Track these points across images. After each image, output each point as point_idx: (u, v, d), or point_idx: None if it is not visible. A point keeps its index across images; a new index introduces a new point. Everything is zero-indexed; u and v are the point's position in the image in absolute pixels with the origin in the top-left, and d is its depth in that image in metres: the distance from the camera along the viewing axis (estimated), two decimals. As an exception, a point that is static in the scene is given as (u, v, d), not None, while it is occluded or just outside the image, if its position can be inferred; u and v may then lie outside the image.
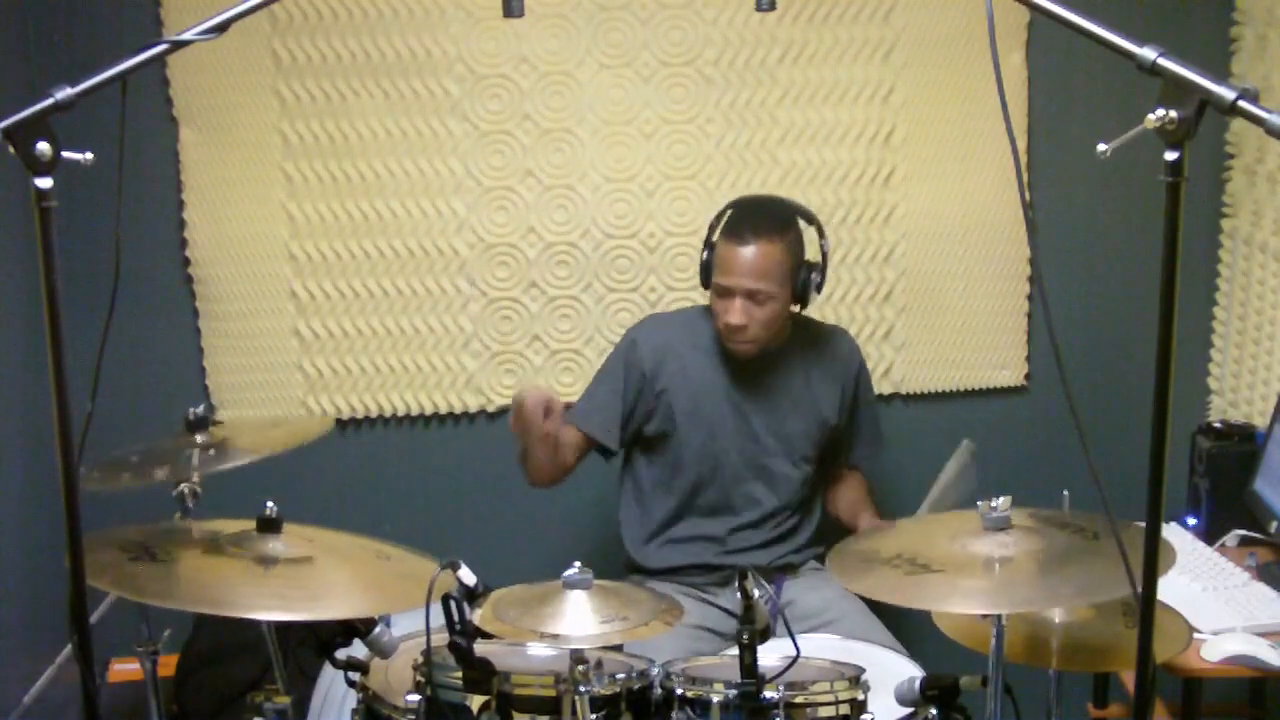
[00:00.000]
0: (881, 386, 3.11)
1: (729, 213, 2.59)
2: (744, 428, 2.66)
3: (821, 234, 2.61)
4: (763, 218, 2.54)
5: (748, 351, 2.58)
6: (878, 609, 2.53)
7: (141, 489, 2.14)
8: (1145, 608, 1.39)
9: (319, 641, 1.89)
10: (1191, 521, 2.77)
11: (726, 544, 2.68)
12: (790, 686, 1.75)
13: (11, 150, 1.36)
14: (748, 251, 2.49)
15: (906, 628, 2.53)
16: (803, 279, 2.55)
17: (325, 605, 1.81)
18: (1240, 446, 2.72)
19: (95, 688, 1.52)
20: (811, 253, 2.62)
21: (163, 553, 1.82)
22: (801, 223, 2.61)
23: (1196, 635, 2.15)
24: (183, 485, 2.15)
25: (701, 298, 2.73)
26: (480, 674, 1.70)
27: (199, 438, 2.24)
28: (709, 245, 2.58)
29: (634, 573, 2.74)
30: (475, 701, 1.73)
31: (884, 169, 3.02)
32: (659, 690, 1.81)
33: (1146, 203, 2.87)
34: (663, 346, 2.67)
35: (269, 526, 1.85)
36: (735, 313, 2.51)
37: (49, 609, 2.60)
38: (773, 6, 1.71)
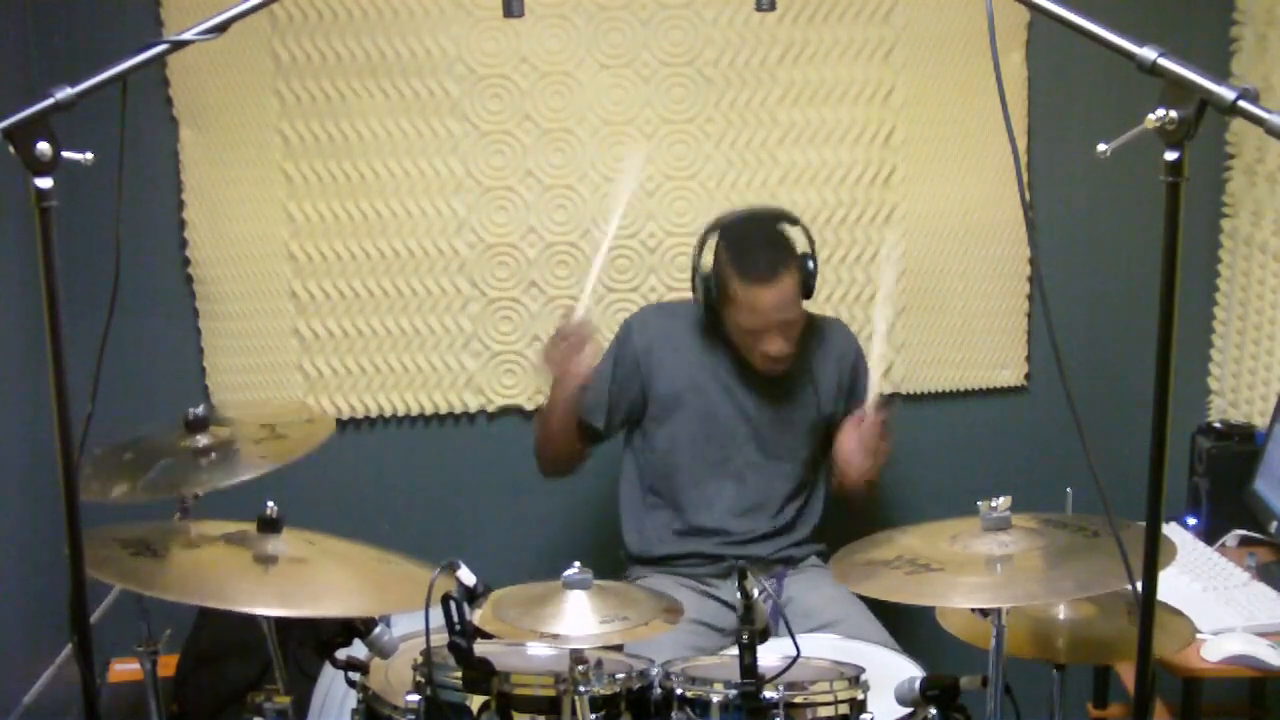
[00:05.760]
0: (881, 386, 3.09)
1: (726, 241, 2.55)
2: (741, 419, 2.66)
3: (804, 229, 2.62)
4: (770, 248, 2.53)
5: (781, 371, 2.59)
6: (878, 610, 2.53)
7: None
8: (1145, 606, 1.39)
9: (319, 641, 1.89)
10: (1191, 521, 2.77)
11: (727, 535, 2.67)
12: (790, 686, 1.75)
13: (11, 150, 1.36)
14: (773, 292, 2.48)
15: (907, 628, 2.53)
16: (810, 279, 2.56)
17: (325, 603, 1.82)
18: (1240, 446, 2.73)
19: (95, 688, 1.52)
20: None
21: (163, 549, 1.82)
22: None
23: (1197, 635, 2.15)
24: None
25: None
26: (480, 674, 1.70)
27: (200, 439, 2.23)
28: (714, 278, 2.54)
29: (634, 564, 2.75)
30: (475, 701, 1.73)
31: (884, 169, 3.02)
32: (659, 690, 1.81)
33: (1146, 203, 2.86)
34: (657, 336, 2.68)
35: (269, 527, 1.85)
36: (776, 344, 2.53)
37: (49, 609, 2.61)
38: (773, 6, 1.71)
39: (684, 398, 2.66)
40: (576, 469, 2.74)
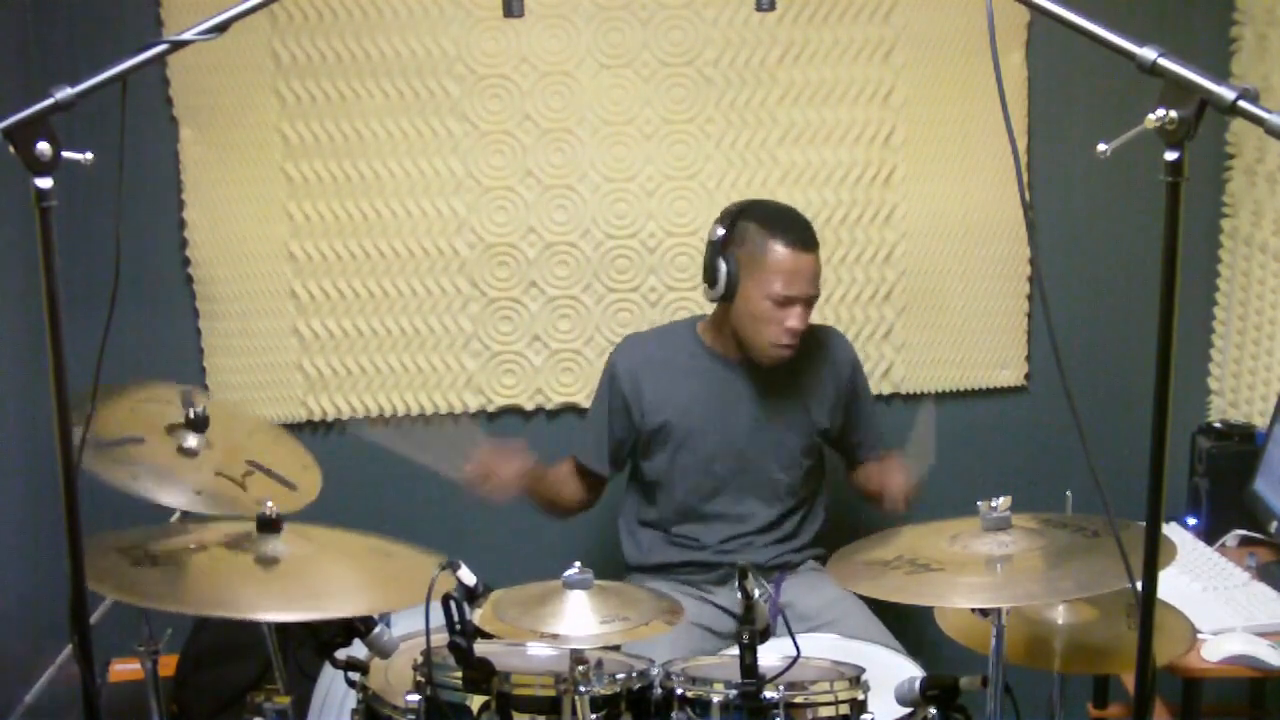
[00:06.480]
0: (881, 386, 3.11)
1: (758, 216, 2.52)
2: (732, 436, 2.63)
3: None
4: (804, 223, 2.53)
5: (789, 357, 2.56)
6: (878, 610, 2.53)
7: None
8: (1145, 606, 1.39)
9: (319, 641, 1.89)
10: (1191, 521, 2.77)
11: (724, 545, 2.67)
12: (790, 686, 1.75)
13: (11, 150, 1.36)
14: (810, 259, 2.48)
15: (907, 628, 2.53)
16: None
17: (326, 604, 1.81)
18: (1240, 446, 2.72)
19: (95, 688, 1.52)
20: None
21: (164, 555, 1.81)
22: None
23: (1197, 635, 2.15)
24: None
25: (699, 301, 2.71)
26: (480, 674, 1.70)
27: (190, 439, 2.20)
28: (728, 256, 2.48)
29: (632, 572, 2.74)
30: (475, 701, 1.73)
31: (884, 169, 3.02)
32: (659, 690, 1.81)
33: (1146, 203, 2.87)
34: (639, 368, 2.64)
35: (269, 526, 1.85)
36: (799, 318, 2.49)
37: (49, 609, 2.60)
38: (773, 6, 1.71)
39: (672, 429, 2.62)
40: (589, 506, 2.76)
